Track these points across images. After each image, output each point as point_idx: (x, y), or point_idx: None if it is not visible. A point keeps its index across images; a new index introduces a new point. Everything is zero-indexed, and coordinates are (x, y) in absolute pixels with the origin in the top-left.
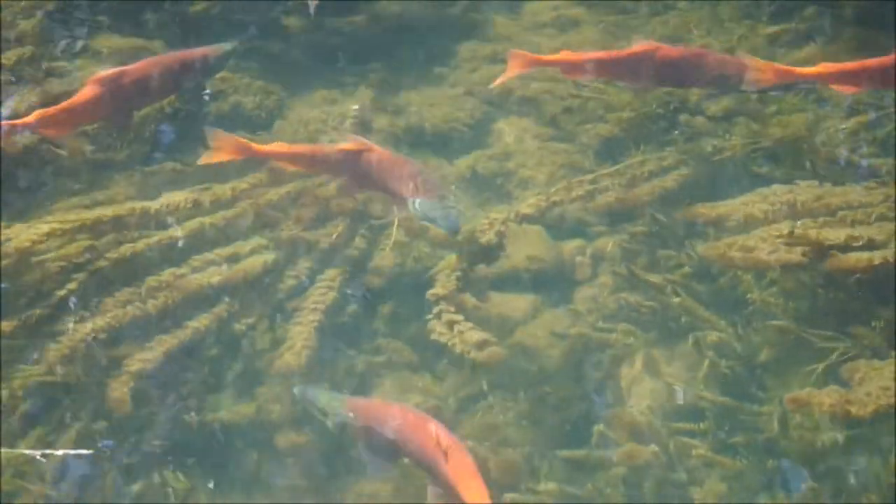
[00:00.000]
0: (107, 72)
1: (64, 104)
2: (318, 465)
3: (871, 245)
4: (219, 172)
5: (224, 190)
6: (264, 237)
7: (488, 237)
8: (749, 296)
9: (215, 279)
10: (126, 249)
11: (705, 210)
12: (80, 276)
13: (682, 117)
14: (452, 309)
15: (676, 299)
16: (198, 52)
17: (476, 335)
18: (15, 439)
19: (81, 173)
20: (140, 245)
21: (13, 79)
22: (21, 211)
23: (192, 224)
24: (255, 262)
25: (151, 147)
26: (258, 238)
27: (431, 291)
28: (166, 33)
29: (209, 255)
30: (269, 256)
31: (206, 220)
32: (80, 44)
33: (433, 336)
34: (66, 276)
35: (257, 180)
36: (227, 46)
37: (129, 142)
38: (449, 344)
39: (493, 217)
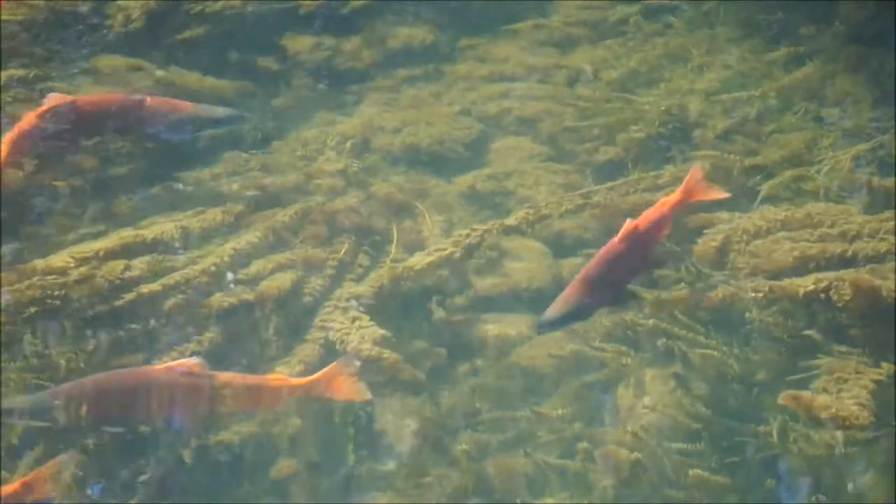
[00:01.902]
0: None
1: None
2: (318, 483)
3: (872, 259)
4: (216, 195)
5: (216, 214)
6: (280, 256)
7: (451, 251)
8: (747, 315)
9: (244, 297)
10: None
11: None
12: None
13: (681, 136)
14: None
15: (650, 321)
16: (182, 106)
17: (375, 333)
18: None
19: (82, 199)
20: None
21: (9, 99)
22: (29, 241)
23: (210, 247)
24: (280, 280)
25: (148, 167)
26: (276, 257)
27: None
28: (167, 54)
29: (239, 276)
30: (291, 275)
31: (231, 244)
32: (79, 64)
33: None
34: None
35: (257, 201)
36: (220, 111)
37: (125, 162)
38: (340, 337)
39: (468, 230)
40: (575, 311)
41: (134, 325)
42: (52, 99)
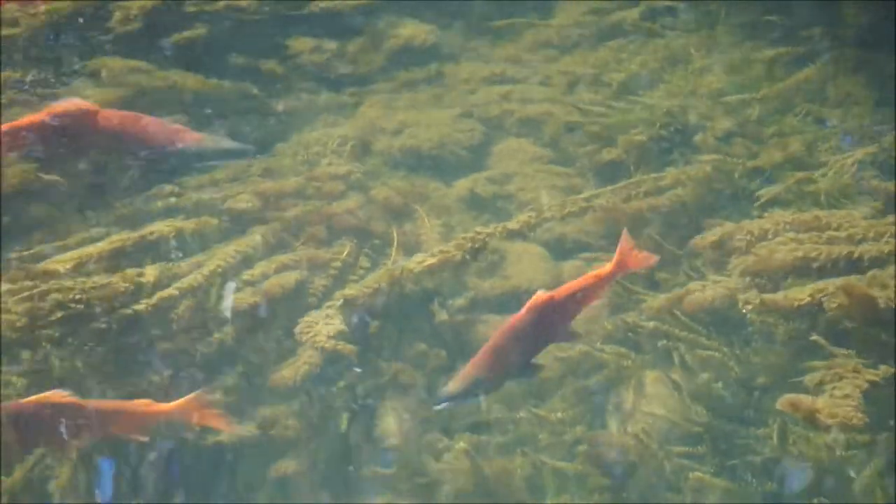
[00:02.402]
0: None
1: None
2: (319, 486)
3: (876, 260)
4: (218, 198)
5: (215, 217)
6: (284, 257)
7: (452, 253)
8: (749, 316)
9: (252, 298)
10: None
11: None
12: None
13: (682, 138)
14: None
15: (651, 323)
16: (190, 136)
17: (334, 328)
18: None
19: (83, 202)
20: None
21: (4, 102)
22: (29, 241)
23: (211, 251)
24: (284, 279)
25: (151, 170)
26: (279, 257)
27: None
28: (167, 55)
29: (244, 276)
30: (295, 275)
31: (233, 247)
32: (80, 65)
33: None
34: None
35: (251, 206)
36: (227, 143)
37: (127, 165)
38: (305, 332)
39: (472, 233)
40: (475, 388)
41: (154, 331)
42: (73, 103)
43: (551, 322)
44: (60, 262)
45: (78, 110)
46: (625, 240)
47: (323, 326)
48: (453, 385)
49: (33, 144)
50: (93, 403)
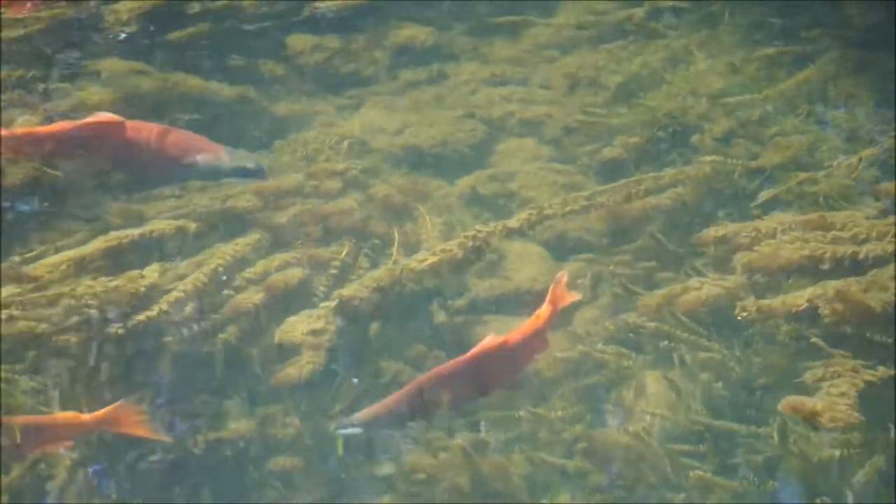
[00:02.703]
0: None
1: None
2: (317, 487)
3: (879, 259)
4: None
5: (214, 217)
6: (285, 255)
7: (454, 253)
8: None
9: (256, 297)
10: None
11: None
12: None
13: (683, 139)
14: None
15: (652, 323)
16: (210, 147)
17: (310, 326)
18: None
19: (79, 201)
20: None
21: (6, 101)
22: (27, 241)
23: (209, 250)
24: (286, 276)
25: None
26: (280, 255)
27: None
28: (167, 55)
29: (245, 274)
30: (298, 273)
31: (231, 247)
32: (80, 65)
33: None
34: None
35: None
36: (245, 158)
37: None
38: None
39: (473, 231)
40: (387, 422)
41: (157, 332)
42: (100, 116)
43: (500, 368)
44: (55, 263)
45: (105, 123)
46: (562, 276)
47: (302, 324)
48: (364, 414)
49: (55, 155)
50: (19, 419)
